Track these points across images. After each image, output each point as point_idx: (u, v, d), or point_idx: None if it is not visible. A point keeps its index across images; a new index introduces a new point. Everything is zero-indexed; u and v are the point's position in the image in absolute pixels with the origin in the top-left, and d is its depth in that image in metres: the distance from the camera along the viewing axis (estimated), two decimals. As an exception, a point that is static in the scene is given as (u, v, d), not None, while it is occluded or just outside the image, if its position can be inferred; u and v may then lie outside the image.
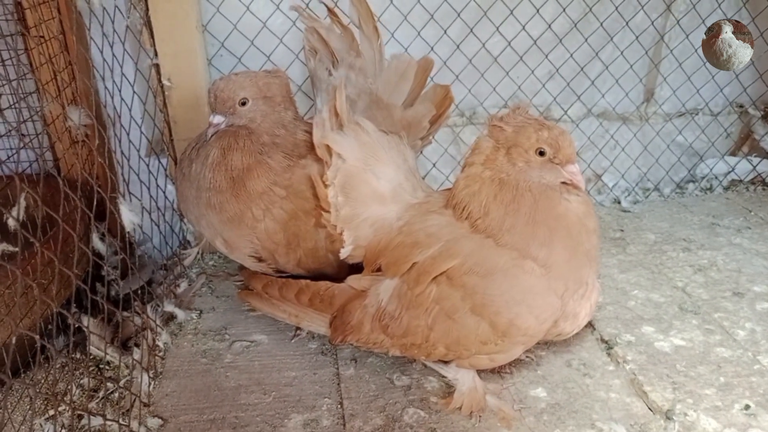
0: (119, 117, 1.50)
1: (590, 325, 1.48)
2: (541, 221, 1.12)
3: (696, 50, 1.99)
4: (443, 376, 1.29)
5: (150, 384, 1.31)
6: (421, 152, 1.60)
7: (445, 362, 1.27)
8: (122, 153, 1.49)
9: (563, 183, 1.14)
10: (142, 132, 1.59)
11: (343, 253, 1.27)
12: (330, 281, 1.33)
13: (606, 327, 1.47)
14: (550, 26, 1.88)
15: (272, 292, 1.40)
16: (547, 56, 1.92)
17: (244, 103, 1.30)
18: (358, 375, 1.35)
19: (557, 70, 1.96)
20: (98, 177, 1.37)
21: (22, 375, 1.32)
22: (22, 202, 1.12)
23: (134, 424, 1.20)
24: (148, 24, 1.61)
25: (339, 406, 1.26)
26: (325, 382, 1.33)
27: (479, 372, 1.27)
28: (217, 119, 1.30)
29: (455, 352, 1.17)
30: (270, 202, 1.32)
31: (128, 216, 1.26)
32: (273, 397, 1.29)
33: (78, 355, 1.41)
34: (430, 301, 1.14)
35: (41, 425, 1.20)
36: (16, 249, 1.12)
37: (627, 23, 1.93)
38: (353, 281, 1.27)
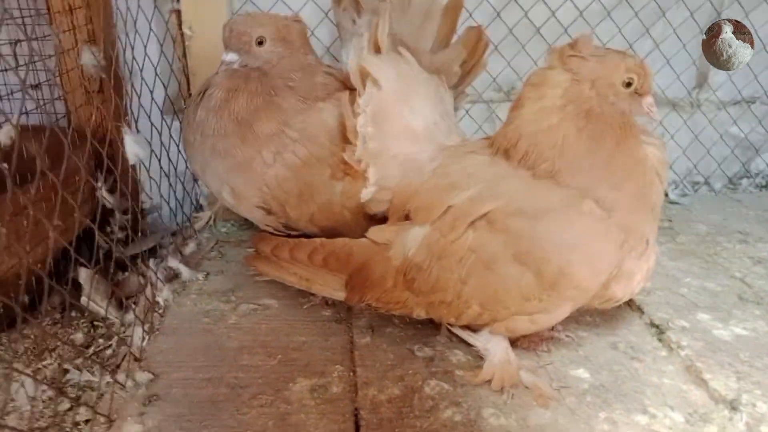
0: (141, 69, 1.42)
1: (638, 308, 1.32)
2: (620, 163, 0.98)
3: (756, 31, 1.84)
4: (471, 346, 1.13)
5: (144, 339, 1.18)
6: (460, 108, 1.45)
7: (475, 331, 1.12)
8: (140, 106, 1.41)
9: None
10: (159, 79, 1.49)
11: (366, 194, 1.13)
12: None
13: (656, 311, 1.31)
14: (598, -4, 1.76)
15: (282, 254, 1.25)
16: (593, 29, 1.79)
17: (261, 42, 1.21)
18: (375, 344, 1.20)
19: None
20: (110, 131, 1.27)
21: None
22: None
23: (121, 377, 1.07)
24: (173, -34, 1.53)
25: (352, 373, 1.12)
26: (338, 349, 1.19)
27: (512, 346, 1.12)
28: (230, 57, 1.20)
29: (491, 311, 1.02)
30: (281, 145, 1.20)
31: (132, 147, 1.14)
32: (278, 360, 1.15)
33: (72, 313, 1.30)
34: (465, 250, 0.99)
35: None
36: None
37: (682, -3, 1.80)
38: (374, 234, 1.12)
